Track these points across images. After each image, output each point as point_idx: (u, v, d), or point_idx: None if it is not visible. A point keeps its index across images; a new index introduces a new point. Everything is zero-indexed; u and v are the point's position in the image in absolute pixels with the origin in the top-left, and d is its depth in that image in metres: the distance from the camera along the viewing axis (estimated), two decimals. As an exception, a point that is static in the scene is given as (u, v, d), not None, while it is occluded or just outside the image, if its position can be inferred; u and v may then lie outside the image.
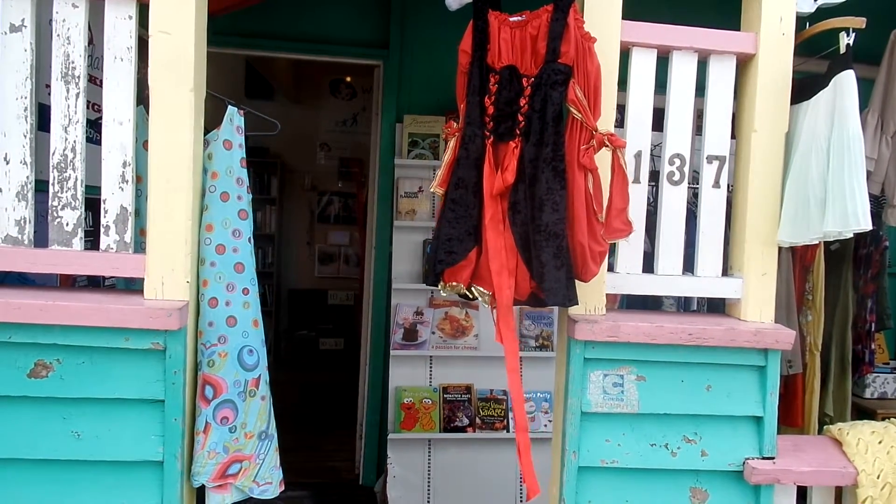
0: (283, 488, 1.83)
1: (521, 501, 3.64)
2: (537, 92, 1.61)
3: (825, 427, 2.03)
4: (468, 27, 1.70)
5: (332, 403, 5.71)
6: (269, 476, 1.79)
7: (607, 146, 1.61)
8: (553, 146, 1.60)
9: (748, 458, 1.79)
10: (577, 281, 1.64)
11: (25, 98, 1.63)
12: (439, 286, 1.71)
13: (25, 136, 1.63)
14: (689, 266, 1.91)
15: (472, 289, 1.69)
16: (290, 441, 4.61)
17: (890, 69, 2.27)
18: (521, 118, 1.63)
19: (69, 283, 2.01)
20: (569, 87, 1.60)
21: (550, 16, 1.62)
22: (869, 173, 2.24)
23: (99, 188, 1.67)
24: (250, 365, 1.74)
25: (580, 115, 1.61)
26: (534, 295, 1.64)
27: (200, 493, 1.77)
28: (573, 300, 1.62)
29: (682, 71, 1.84)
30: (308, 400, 5.94)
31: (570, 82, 1.60)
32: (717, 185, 1.86)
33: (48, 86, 1.68)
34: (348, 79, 7.16)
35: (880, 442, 1.83)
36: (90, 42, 1.71)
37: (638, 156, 1.83)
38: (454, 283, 1.68)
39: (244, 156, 1.82)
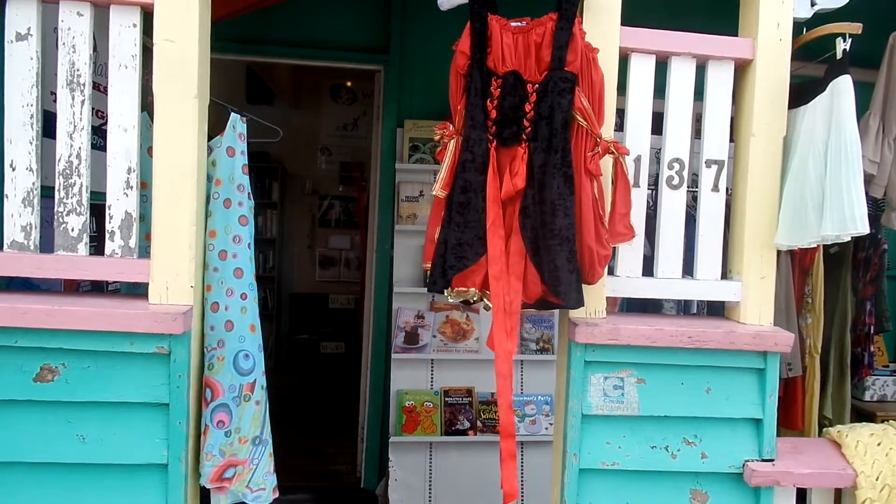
0: (276, 495, 1.81)
1: (522, 504, 3.65)
2: (544, 99, 1.63)
3: (824, 429, 2.04)
4: (465, 29, 1.70)
5: (334, 407, 5.72)
6: (262, 482, 1.78)
7: (612, 153, 1.63)
8: (562, 152, 1.62)
9: (748, 461, 1.80)
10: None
11: (31, 105, 1.65)
12: (446, 292, 1.69)
13: (31, 143, 1.65)
14: (688, 269, 1.92)
15: (485, 293, 1.68)
16: (292, 444, 4.67)
17: (890, 72, 2.28)
18: (527, 124, 1.64)
19: (73, 287, 2.03)
20: (575, 95, 1.62)
21: (555, 24, 1.63)
22: (872, 177, 2.25)
23: (104, 194, 1.68)
24: (245, 369, 1.74)
25: (585, 123, 1.63)
26: (543, 298, 1.65)
27: (205, 495, 1.78)
28: (582, 302, 1.66)
29: (681, 76, 1.86)
30: (309, 403, 5.95)
31: (576, 90, 1.62)
32: (716, 188, 1.88)
33: (53, 93, 1.70)
34: (349, 84, 7.17)
35: (879, 444, 1.84)
36: (95, 50, 1.72)
37: (637, 160, 1.85)
38: (463, 289, 1.68)
39: (246, 162, 1.83)
